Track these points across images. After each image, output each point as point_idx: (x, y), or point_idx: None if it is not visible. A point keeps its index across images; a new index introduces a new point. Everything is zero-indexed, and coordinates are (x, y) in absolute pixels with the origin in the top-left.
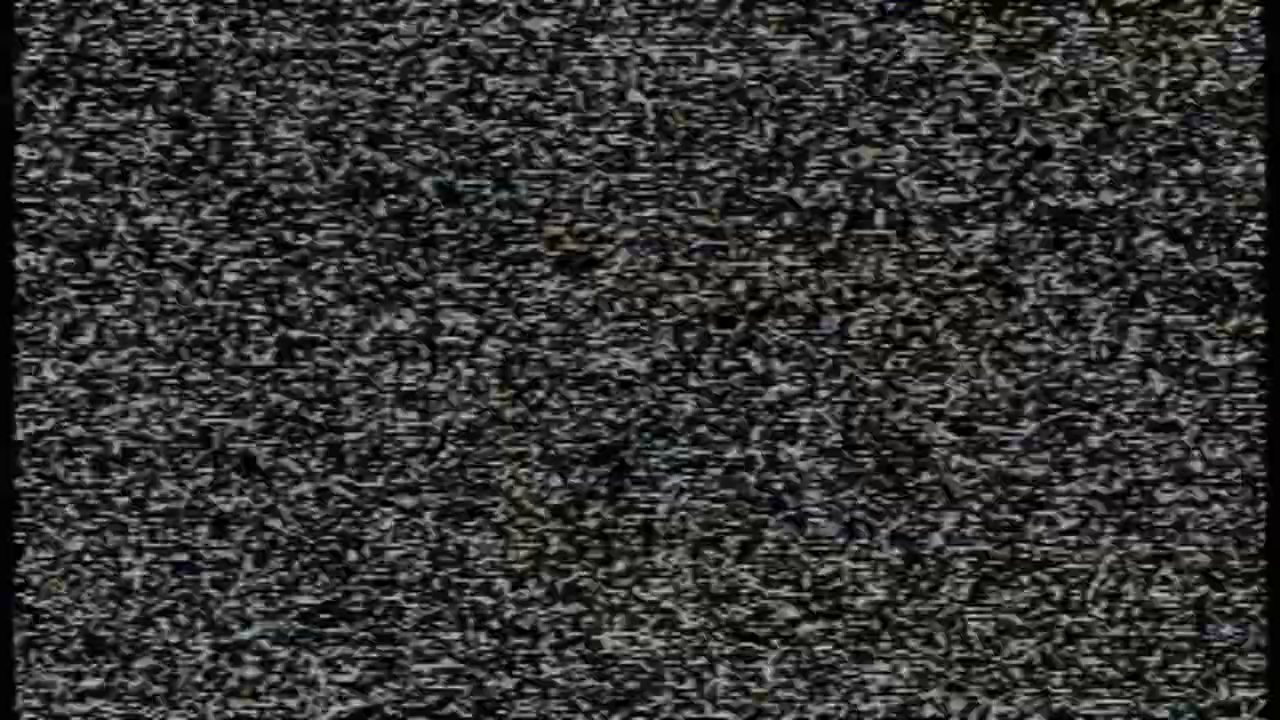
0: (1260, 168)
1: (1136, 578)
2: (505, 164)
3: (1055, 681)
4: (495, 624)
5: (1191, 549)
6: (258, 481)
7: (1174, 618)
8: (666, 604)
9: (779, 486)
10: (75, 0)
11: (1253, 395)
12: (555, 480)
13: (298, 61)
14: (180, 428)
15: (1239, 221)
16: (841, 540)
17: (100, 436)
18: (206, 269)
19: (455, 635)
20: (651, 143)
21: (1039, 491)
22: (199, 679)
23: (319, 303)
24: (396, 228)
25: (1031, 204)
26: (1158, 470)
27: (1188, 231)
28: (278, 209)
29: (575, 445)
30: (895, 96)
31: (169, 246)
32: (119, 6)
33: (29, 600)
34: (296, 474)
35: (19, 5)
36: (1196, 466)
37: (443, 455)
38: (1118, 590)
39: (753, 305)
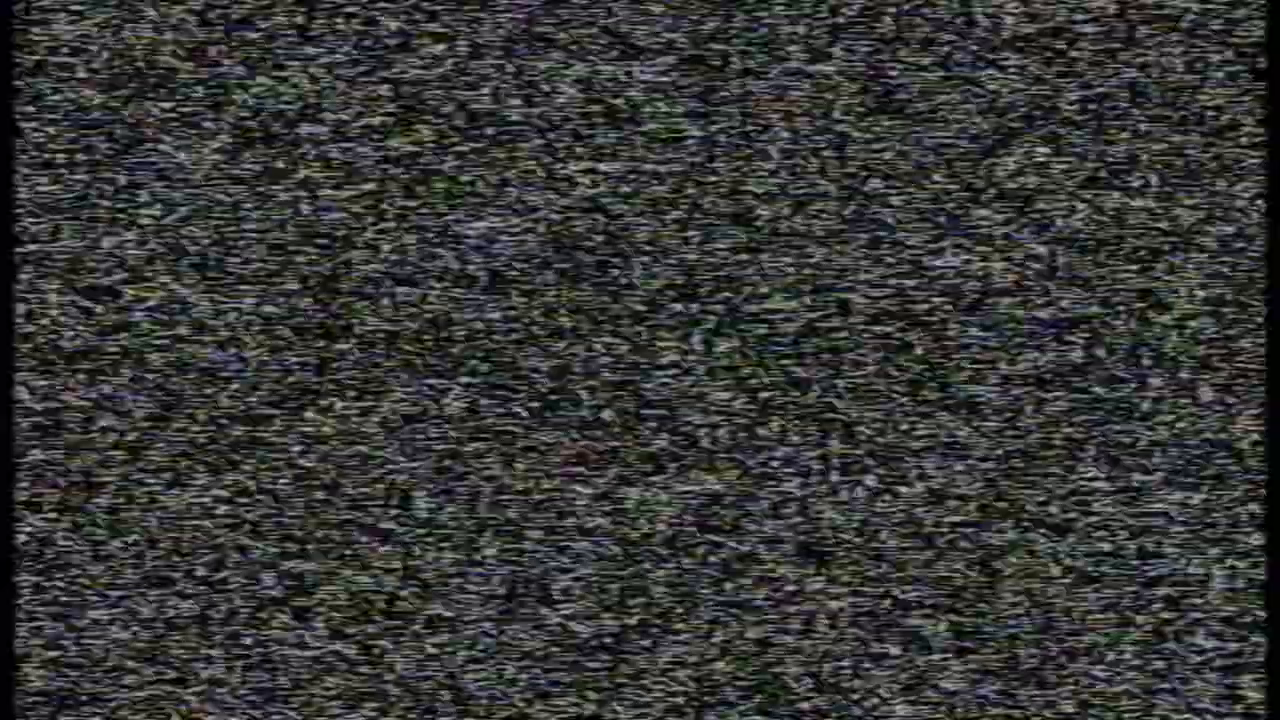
0: (1260, 165)
1: (1136, 579)
2: None
3: (1052, 682)
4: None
5: (1191, 549)
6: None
7: (1173, 617)
8: None
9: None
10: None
11: (1252, 395)
12: None
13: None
14: (182, 429)
15: (1239, 216)
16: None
17: (101, 438)
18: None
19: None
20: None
21: (1037, 491)
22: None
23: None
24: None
25: (1030, 205)
26: (1157, 470)
27: (1186, 227)
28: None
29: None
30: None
31: (169, 246)
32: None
33: (28, 601)
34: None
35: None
36: (1197, 466)
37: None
38: (1117, 589)
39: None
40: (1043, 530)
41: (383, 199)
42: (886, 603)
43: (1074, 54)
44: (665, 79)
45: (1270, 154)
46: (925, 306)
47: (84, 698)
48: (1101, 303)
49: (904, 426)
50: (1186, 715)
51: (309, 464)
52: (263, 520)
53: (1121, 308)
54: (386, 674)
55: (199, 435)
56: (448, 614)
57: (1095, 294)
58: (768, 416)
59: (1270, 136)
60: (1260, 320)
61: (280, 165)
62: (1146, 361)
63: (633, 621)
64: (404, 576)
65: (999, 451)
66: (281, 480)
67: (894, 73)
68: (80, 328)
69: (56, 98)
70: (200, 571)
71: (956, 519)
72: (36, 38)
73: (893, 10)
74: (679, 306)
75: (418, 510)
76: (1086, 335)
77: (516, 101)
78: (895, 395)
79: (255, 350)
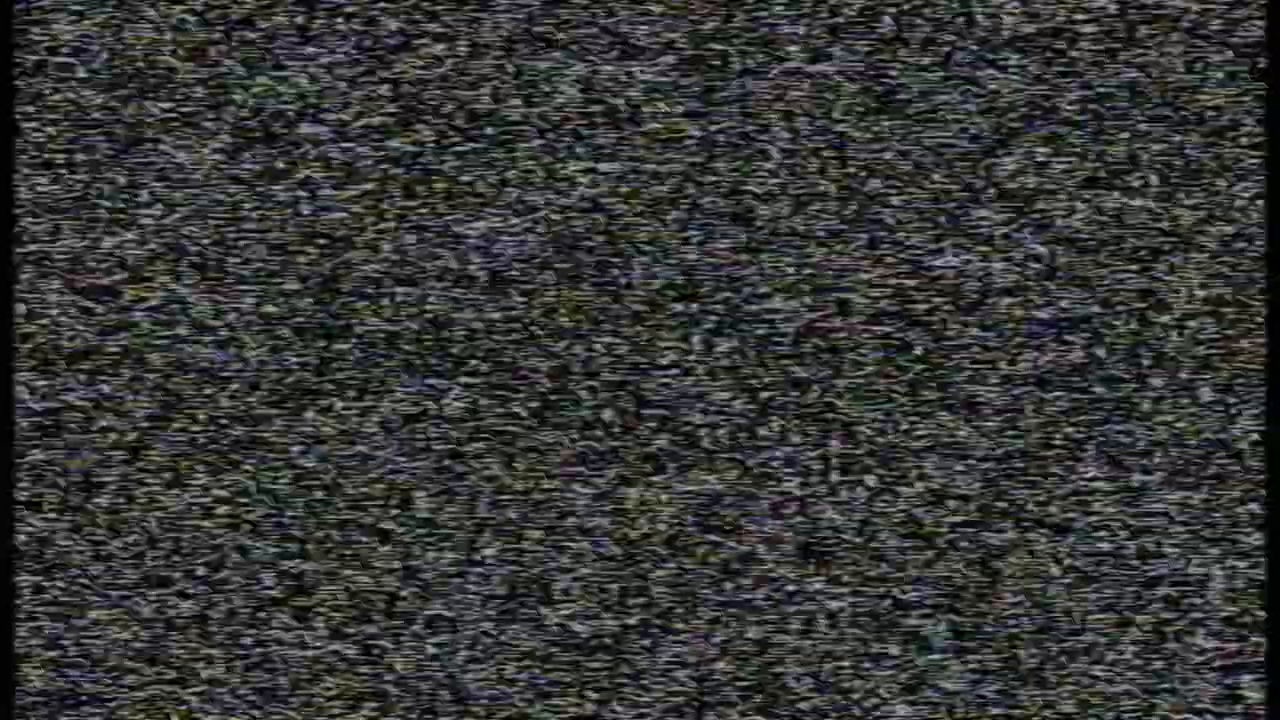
0: (1260, 169)
1: (1136, 579)
2: None
3: (1052, 682)
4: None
5: (1191, 549)
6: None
7: (1173, 618)
8: None
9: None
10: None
11: (1252, 395)
12: None
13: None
14: (180, 428)
15: (1239, 216)
16: None
17: (101, 438)
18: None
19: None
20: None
21: (1037, 491)
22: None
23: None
24: None
25: (1030, 203)
26: (1157, 469)
27: (1187, 228)
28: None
29: None
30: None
31: (169, 246)
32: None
33: (29, 598)
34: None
35: (19, 5)
36: (1196, 466)
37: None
38: (1117, 588)
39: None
40: (1042, 530)
41: (383, 199)
42: (887, 603)
43: (1074, 54)
44: (665, 79)
45: (1270, 154)
46: (925, 306)
47: (84, 698)
48: (1101, 303)
49: (904, 426)
50: (1186, 715)
51: (309, 464)
52: (263, 520)
53: (1121, 308)
54: (386, 674)
55: (199, 435)
56: (447, 614)
57: (1095, 294)
58: (767, 416)
59: (1270, 136)
60: (1260, 320)
61: (280, 165)
62: (1146, 361)
63: (633, 621)
64: (404, 576)
65: (999, 452)
66: (281, 480)
67: (894, 73)
68: (80, 328)
69: (56, 97)
70: (200, 571)
71: (957, 519)
72: (36, 38)
73: (893, 10)
74: (679, 306)
75: (418, 510)
76: (1086, 335)
77: (516, 102)
78: (895, 395)
79: (255, 350)
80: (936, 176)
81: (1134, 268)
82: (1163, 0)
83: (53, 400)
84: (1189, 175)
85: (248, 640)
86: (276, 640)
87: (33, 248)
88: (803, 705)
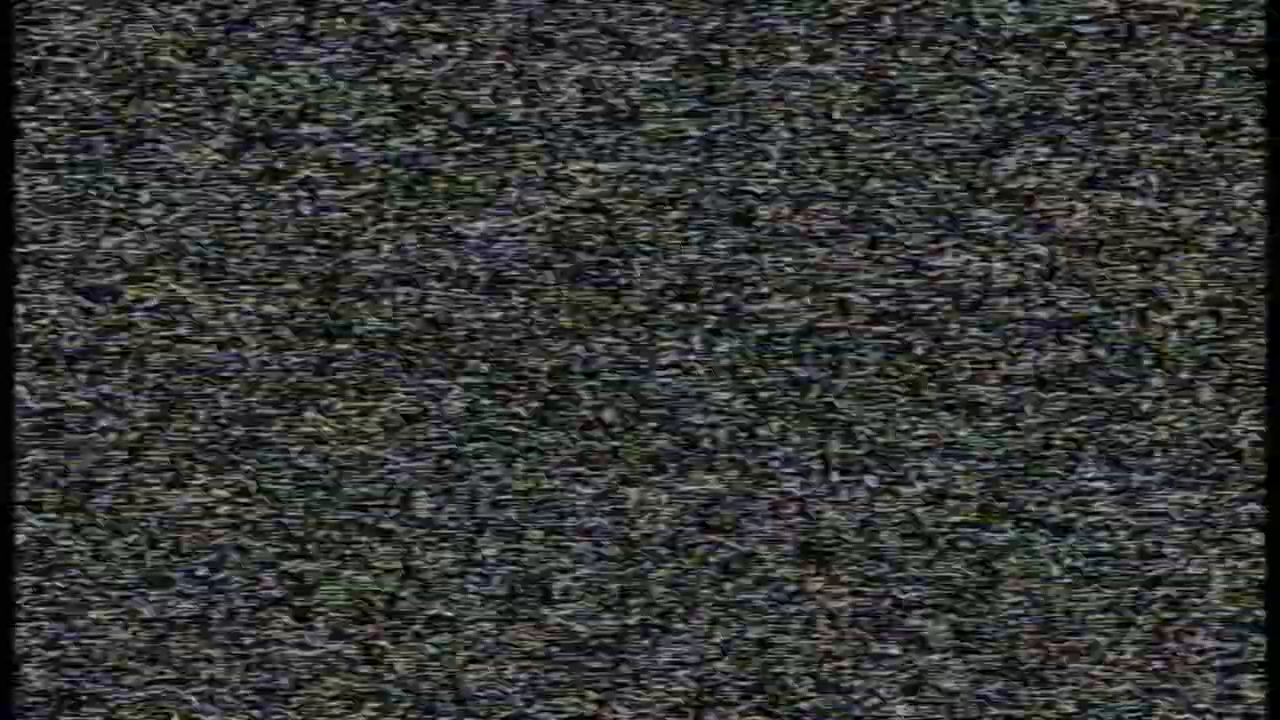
0: (1260, 166)
1: (1136, 579)
2: None
3: (1052, 682)
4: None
5: (1191, 549)
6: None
7: (1173, 618)
8: None
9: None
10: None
11: (1252, 395)
12: None
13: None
14: (180, 431)
15: (1239, 216)
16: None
17: (101, 438)
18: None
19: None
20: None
21: (1037, 491)
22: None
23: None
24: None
25: (1030, 205)
26: (1158, 470)
27: (1186, 227)
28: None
29: None
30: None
31: (168, 247)
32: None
33: (28, 601)
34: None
35: (19, 5)
36: (1197, 466)
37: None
38: (1117, 589)
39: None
40: (1042, 530)
41: (383, 199)
42: (886, 603)
43: (1074, 54)
44: (666, 79)
45: (1270, 154)
46: (925, 306)
47: (84, 698)
48: (1101, 303)
49: (904, 426)
50: (1186, 715)
51: (309, 464)
52: (262, 520)
53: (1121, 308)
54: (386, 674)
55: (199, 435)
56: (448, 614)
57: (1095, 294)
58: (768, 416)
59: (1270, 136)
60: (1260, 320)
61: (280, 165)
62: (1146, 361)
63: (633, 621)
64: (404, 576)
65: (999, 451)
66: (282, 480)
67: (894, 73)
68: (80, 327)
69: (56, 98)
70: (200, 571)
71: (956, 519)
72: (36, 38)
73: (893, 10)
74: (679, 306)
75: (418, 510)
76: (1086, 335)
77: (516, 101)
78: (895, 395)
79: (255, 350)
80: (936, 177)
81: (1134, 268)
82: (1163, 0)
83: (53, 400)
84: (1189, 175)
85: (248, 640)
86: (277, 640)
87: (33, 247)
88: (803, 705)
